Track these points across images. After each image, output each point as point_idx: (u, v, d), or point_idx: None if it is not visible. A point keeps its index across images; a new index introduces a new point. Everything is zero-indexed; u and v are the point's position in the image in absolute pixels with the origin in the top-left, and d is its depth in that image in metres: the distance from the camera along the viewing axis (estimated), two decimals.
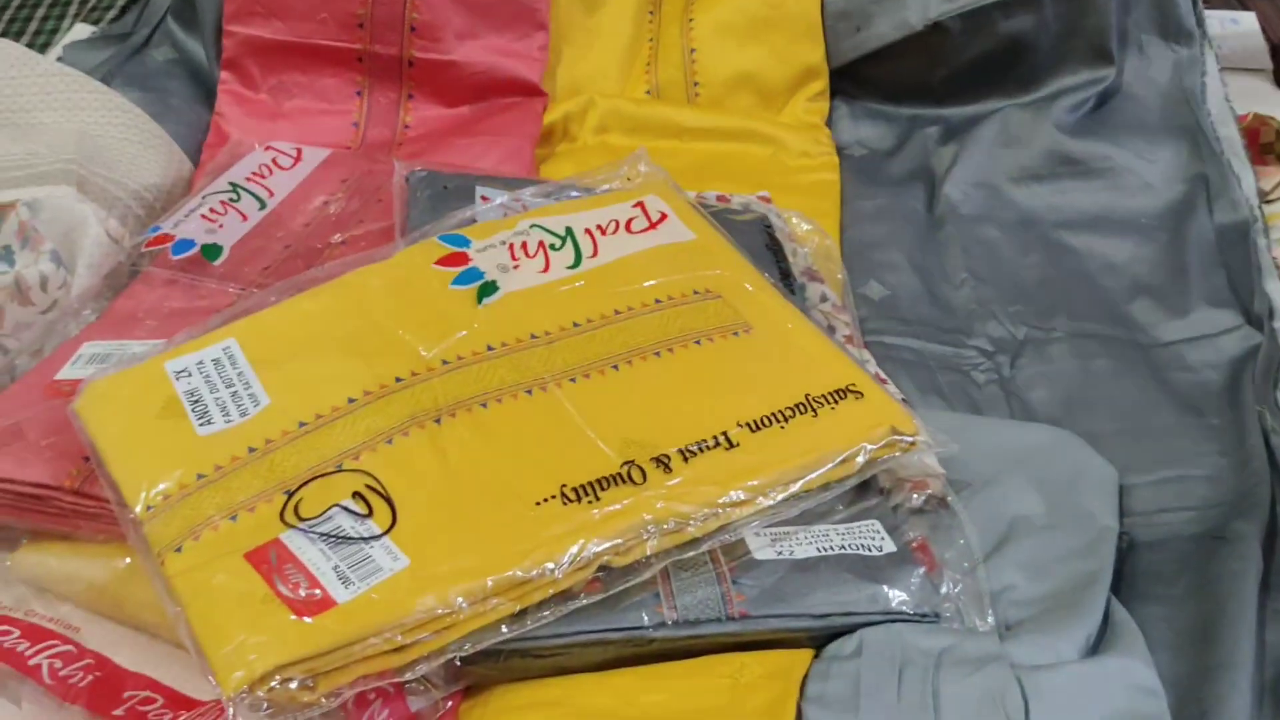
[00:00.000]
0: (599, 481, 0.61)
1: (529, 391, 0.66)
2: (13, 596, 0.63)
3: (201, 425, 0.63)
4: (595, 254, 0.76)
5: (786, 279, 0.80)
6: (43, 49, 1.13)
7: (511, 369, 0.67)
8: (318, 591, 0.55)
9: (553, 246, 0.76)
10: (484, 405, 0.65)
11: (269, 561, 0.56)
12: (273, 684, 0.52)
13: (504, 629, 0.57)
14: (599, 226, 0.78)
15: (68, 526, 0.63)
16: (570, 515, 0.59)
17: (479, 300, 0.71)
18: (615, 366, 0.68)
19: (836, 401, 0.67)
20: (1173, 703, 0.57)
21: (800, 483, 0.62)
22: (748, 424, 0.65)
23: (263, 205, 0.88)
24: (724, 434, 0.64)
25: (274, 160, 0.92)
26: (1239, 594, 0.64)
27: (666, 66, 1.07)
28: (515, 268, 0.74)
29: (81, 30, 1.10)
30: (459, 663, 0.57)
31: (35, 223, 0.79)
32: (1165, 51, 1.05)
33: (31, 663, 0.58)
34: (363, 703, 0.56)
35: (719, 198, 0.89)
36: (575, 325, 0.70)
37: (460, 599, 0.55)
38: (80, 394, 0.65)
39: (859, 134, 1.07)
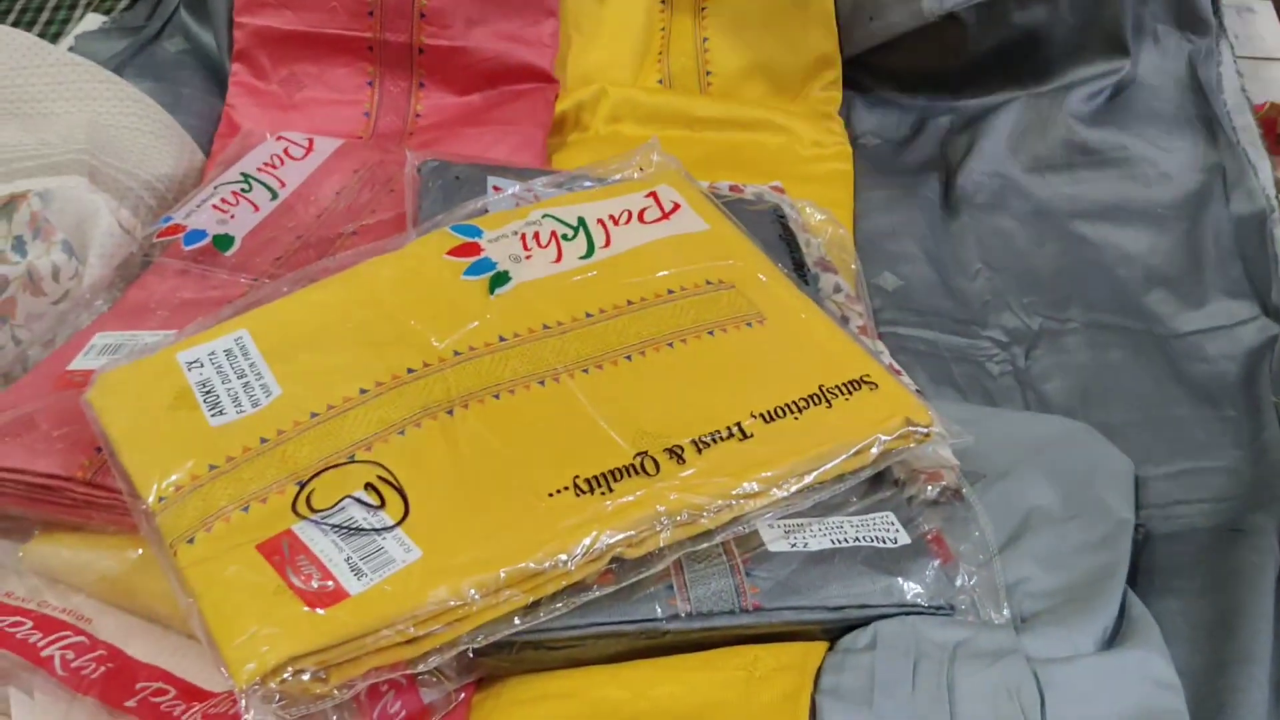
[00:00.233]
0: (612, 473, 0.61)
1: (541, 382, 0.66)
2: (26, 587, 0.63)
3: (213, 416, 0.63)
4: (608, 244, 0.75)
5: (800, 269, 0.80)
6: (54, 39, 1.13)
7: (524, 360, 0.67)
8: (330, 583, 0.55)
9: (565, 237, 0.75)
10: (496, 396, 0.65)
11: (281, 553, 0.56)
12: (285, 676, 0.52)
13: (516, 621, 0.56)
14: (611, 217, 0.77)
15: (80, 517, 0.63)
16: (583, 506, 0.59)
17: (491, 291, 0.71)
18: (628, 357, 0.68)
19: (851, 392, 0.66)
20: (1190, 696, 0.57)
21: (814, 474, 0.62)
22: (761, 415, 0.64)
23: (274, 195, 0.88)
24: (737, 425, 0.64)
25: (286, 150, 0.92)
26: (1256, 587, 0.63)
27: (679, 56, 1.06)
28: (527, 258, 0.73)
29: (92, 20, 1.10)
30: (471, 655, 0.56)
31: (47, 213, 0.79)
32: (1181, 42, 1.04)
33: (44, 654, 0.58)
34: (375, 694, 0.56)
35: (732, 188, 0.89)
36: (588, 316, 0.70)
37: (473, 590, 0.55)
38: (93, 385, 0.65)
39: (872, 124, 1.06)
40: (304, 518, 0.58)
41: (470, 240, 0.74)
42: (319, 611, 0.54)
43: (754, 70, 1.05)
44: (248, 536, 0.57)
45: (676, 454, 0.62)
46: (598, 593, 0.58)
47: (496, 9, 1.00)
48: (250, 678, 0.52)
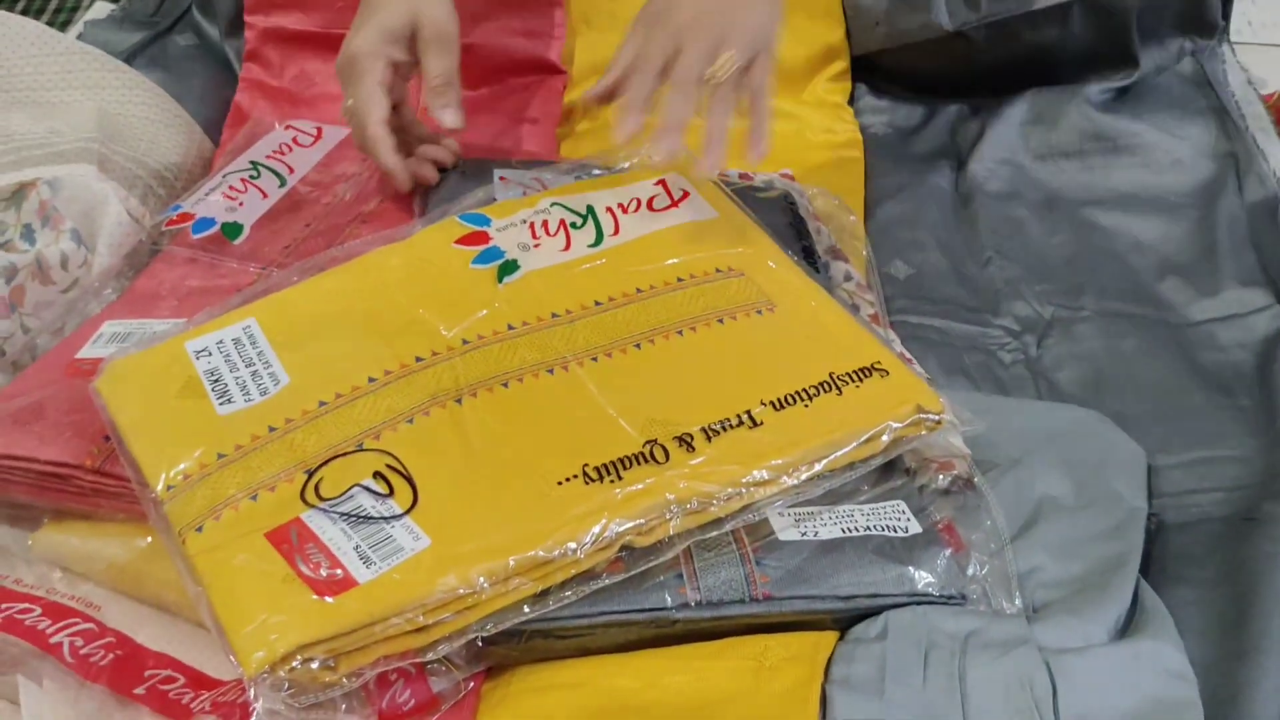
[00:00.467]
0: (621, 461, 0.60)
1: (550, 371, 0.65)
2: (34, 574, 0.63)
3: (222, 405, 0.63)
4: (617, 232, 0.75)
5: (809, 256, 0.79)
6: (63, 27, 1.13)
7: (533, 348, 0.67)
8: (339, 571, 0.55)
9: (574, 225, 0.75)
10: (505, 385, 0.64)
11: (290, 541, 0.56)
12: (294, 664, 0.52)
13: (526, 609, 0.56)
14: (620, 205, 0.77)
15: (89, 505, 0.63)
16: (592, 495, 0.59)
17: (499, 279, 0.71)
18: (638, 345, 0.67)
19: (862, 379, 0.66)
20: (1203, 687, 0.57)
21: (824, 461, 0.62)
22: (771, 403, 0.64)
23: (283, 182, 0.87)
24: (747, 413, 0.63)
25: (294, 139, 0.92)
26: (1270, 576, 0.63)
27: None
28: (536, 246, 0.73)
29: (101, 8, 1.10)
30: (481, 643, 0.56)
31: (56, 201, 0.79)
32: (1185, 43, 1.04)
33: (53, 641, 0.58)
34: (384, 683, 0.56)
35: (741, 175, 0.88)
36: (597, 304, 0.70)
37: (482, 579, 0.55)
38: (101, 373, 0.65)
39: (882, 112, 1.06)
40: (313, 506, 0.58)
41: (478, 229, 0.74)
42: (328, 600, 0.54)
43: None
44: (256, 525, 0.57)
45: (686, 442, 0.61)
46: (607, 581, 0.58)
47: (502, 5, 0.99)
48: (259, 666, 0.52)
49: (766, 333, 0.70)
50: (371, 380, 0.64)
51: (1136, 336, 0.83)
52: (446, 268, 0.72)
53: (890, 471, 0.65)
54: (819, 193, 0.88)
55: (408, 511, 0.58)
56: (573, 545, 0.56)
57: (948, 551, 0.62)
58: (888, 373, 0.67)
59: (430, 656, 0.55)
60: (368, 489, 0.59)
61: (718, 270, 0.73)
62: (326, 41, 0.99)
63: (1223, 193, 0.93)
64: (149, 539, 0.62)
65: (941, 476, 0.65)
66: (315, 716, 0.54)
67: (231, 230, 0.82)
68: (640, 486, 0.59)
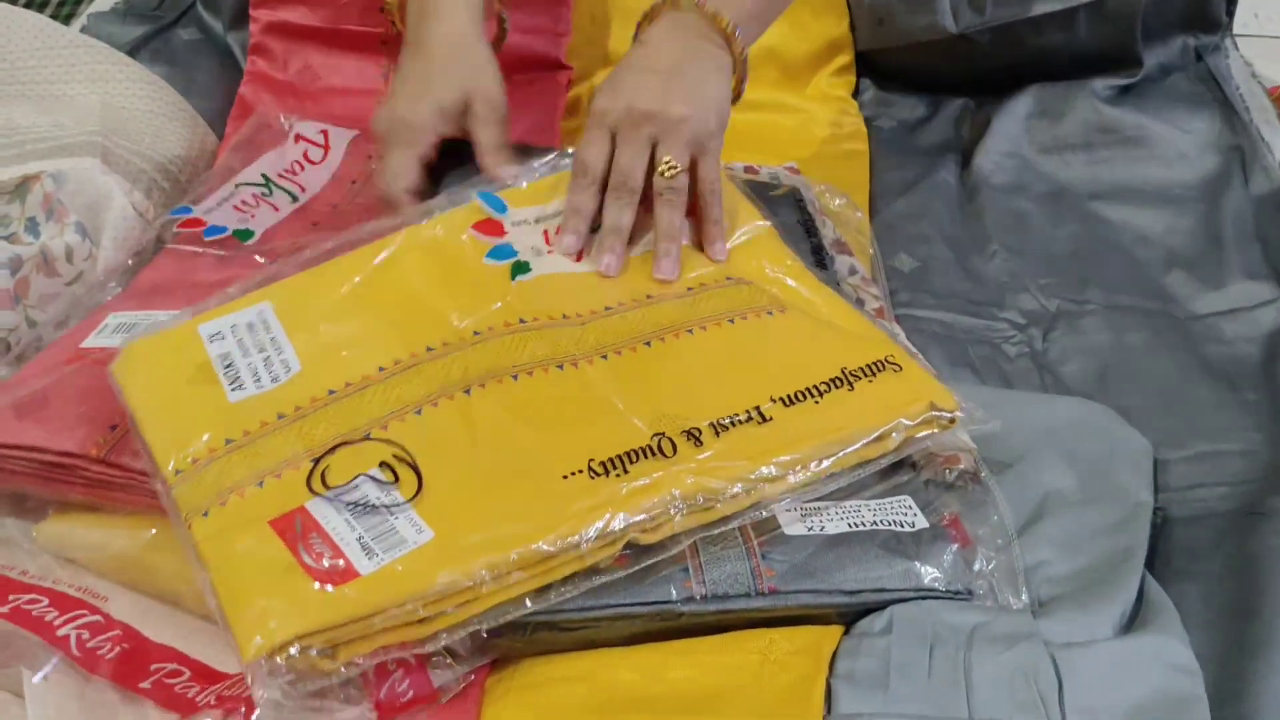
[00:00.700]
0: (628, 454, 0.60)
1: (560, 366, 0.65)
2: (38, 565, 0.63)
3: (233, 390, 0.63)
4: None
5: (818, 253, 0.79)
6: (67, 20, 1.13)
7: (542, 343, 0.66)
8: (341, 562, 0.55)
9: None
10: (514, 378, 0.64)
11: (294, 529, 0.56)
12: (292, 651, 0.52)
13: (528, 603, 0.56)
14: None
15: (94, 496, 0.63)
16: (598, 489, 0.59)
17: (512, 277, 0.71)
18: (647, 343, 0.67)
19: (874, 374, 0.66)
20: (1209, 681, 0.56)
21: (833, 459, 0.62)
22: (781, 399, 0.64)
23: (294, 199, 0.88)
24: (757, 409, 0.63)
25: (305, 154, 0.92)
26: (1276, 571, 0.63)
27: None
28: (549, 253, 0.73)
29: (105, 1, 1.10)
30: (485, 635, 0.56)
31: (60, 194, 0.79)
32: (1189, 40, 1.04)
33: (60, 633, 0.58)
34: (383, 674, 0.55)
35: (747, 168, 0.88)
36: (606, 309, 0.70)
37: (484, 572, 0.55)
38: (118, 356, 0.65)
39: (887, 106, 1.06)
40: (318, 494, 0.58)
41: (495, 216, 0.74)
42: (329, 589, 0.54)
43: (764, 56, 1.04)
44: (261, 512, 0.57)
45: (694, 436, 0.61)
46: (610, 576, 0.58)
47: (510, 2, 0.99)
48: (257, 652, 0.52)
49: (777, 331, 0.69)
50: (381, 369, 0.64)
51: (1142, 330, 0.83)
52: (460, 257, 0.72)
53: (897, 467, 0.65)
54: (825, 188, 0.87)
55: (412, 500, 0.58)
56: (576, 540, 0.56)
57: (954, 546, 0.61)
58: (900, 368, 0.66)
59: (431, 648, 0.55)
60: (373, 478, 0.58)
61: (728, 279, 0.73)
62: (331, 36, 1.00)
63: (1228, 186, 0.93)
64: (154, 530, 0.62)
65: (948, 471, 0.65)
66: (314, 705, 0.54)
67: (243, 235, 0.82)
68: (646, 481, 0.59)
